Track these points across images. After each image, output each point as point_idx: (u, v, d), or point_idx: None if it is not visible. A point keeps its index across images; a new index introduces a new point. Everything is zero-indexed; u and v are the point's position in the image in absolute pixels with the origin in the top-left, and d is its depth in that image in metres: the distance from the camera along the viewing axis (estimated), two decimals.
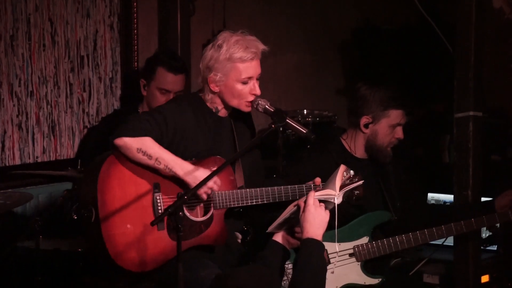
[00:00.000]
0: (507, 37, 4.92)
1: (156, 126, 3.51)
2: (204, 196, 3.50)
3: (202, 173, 3.46)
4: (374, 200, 4.07)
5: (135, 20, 4.97)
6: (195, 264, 3.55)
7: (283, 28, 5.79)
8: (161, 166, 3.47)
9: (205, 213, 3.60)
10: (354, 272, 3.92)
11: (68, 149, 4.74)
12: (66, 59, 4.71)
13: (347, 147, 4.13)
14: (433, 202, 4.89)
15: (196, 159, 3.58)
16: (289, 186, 3.68)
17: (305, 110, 5.44)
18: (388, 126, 4.04)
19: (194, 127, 3.60)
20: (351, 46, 6.19)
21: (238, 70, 3.55)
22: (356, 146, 4.12)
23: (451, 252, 4.28)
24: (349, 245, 3.91)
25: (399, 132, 4.07)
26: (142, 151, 3.45)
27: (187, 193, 3.21)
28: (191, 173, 3.44)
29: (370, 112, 4.03)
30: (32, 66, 4.57)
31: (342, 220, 3.68)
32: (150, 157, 3.46)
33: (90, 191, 3.48)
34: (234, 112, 3.73)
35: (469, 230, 3.98)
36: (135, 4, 4.95)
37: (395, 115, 4.04)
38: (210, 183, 3.46)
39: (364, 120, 4.05)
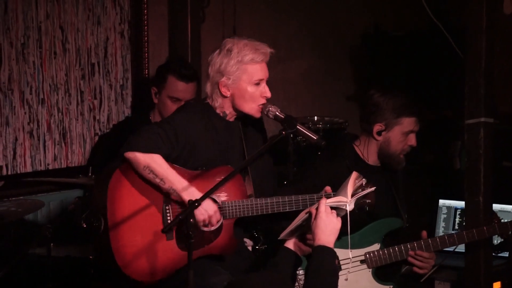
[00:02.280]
0: None
1: (167, 140, 3.52)
2: (201, 224, 3.49)
3: (207, 203, 3.46)
4: (386, 207, 4.07)
5: (146, 28, 4.98)
6: (207, 270, 3.55)
7: (293, 35, 5.80)
8: (166, 186, 3.47)
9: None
10: (365, 278, 3.91)
11: (79, 156, 4.76)
12: (77, 66, 4.72)
13: (359, 154, 4.12)
14: (444, 208, 4.88)
15: (206, 169, 3.58)
16: (300, 196, 3.67)
17: (315, 117, 5.43)
18: (401, 134, 4.04)
19: (203, 136, 3.61)
20: (360, 52, 6.19)
21: (249, 72, 3.58)
22: (369, 153, 4.11)
23: (463, 258, 4.27)
24: (360, 252, 3.90)
25: (412, 139, 4.07)
26: (149, 169, 3.46)
27: (198, 200, 3.21)
28: (196, 197, 3.41)
29: (383, 120, 4.03)
30: (43, 74, 4.59)
31: (354, 227, 3.68)
32: (155, 176, 3.47)
33: (100, 201, 3.48)
34: (243, 118, 3.73)
35: (480, 237, 3.97)
36: (145, 11, 4.97)
37: (408, 123, 4.03)
38: (211, 212, 3.48)
39: (377, 127, 4.04)
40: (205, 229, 3.54)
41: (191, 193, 3.45)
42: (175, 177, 3.48)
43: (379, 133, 4.05)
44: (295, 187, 3.97)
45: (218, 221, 3.54)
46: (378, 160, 4.12)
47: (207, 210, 3.48)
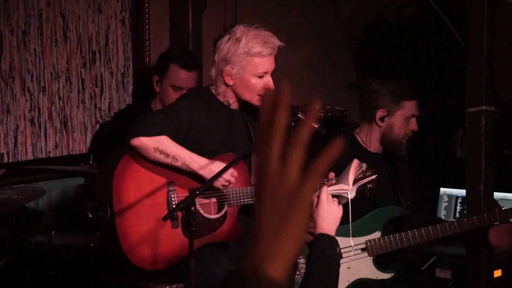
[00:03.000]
0: None
1: (171, 124, 3.51)
2: (221, 187, 3.52)
3: (217, 166, 3.46)
4: (387, 194, 4.07)
5: (147, 15, 4.97)
6: (209, 260, 3.56)
7: (294, 23, 5.79)
8: (178, 164, 3.47)
9: (218, 211, 3.61)
10: (366, 267, 3.91)
11: (80, 144, 4.75)
12: (78, 54, 4.71)
13: (360, 141, 4.13)
14: (445, 196, 4.88)
15: (210, 156, 3.59)
16: None
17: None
18: (403, 118, 4.06)
19: (207, 122, 3.61)
20: (362, 40, 6.18)
21: (255, 64, 3.56)
22: (371, 140, 4.12)
23: (464, 246, 4.27)
24: (361, 240, 3.90)
25: (413, 124, 4.09)
26: (159, 150, 3.45)
27: (200, 188, 3.21)
28: (207, 166, 3.45)
29: (384, 106, 4.05)
30: (44, 62, 4.58)
31: (355, 214, 3.69)
32: (167, 155, 3.46)
33: (106, 190, 3.49)
34: (245, 105, 3.73)
35: (481, 225, 3.97)
36: None
37: (409, 106, 4.06)
38: (227, 176, 3.47)
39: (379, 113, 4.05)
40: (209, 216, 3.54)
41: (203, 165, 3.46)
42: (184, 152, 3.48)
43: (382, 119, 4.06)
44: None
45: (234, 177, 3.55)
46: (380, 147, 4.12)
47: (222, 176, 3.48)
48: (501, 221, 4.09)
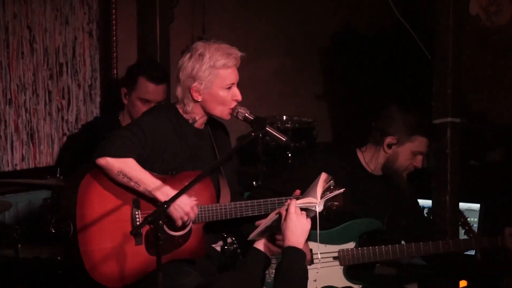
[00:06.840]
0: (484, 43, 4.96)
1: (137, 142, 3.50)
2: (179, 222, 3.49)
3: (182, 197, 3.44)
4: (377, 213, 4.05)
5: (114, 27, 4.96)
6: (176, 272, 3.55)
7: (263, 34, 5.80)
8: (141, 189, 3.47)
9: (183, 228, 3.59)
10: (335, 275, 3.93)
11: (47, 156, 4.73)
12: (45, 66, 4.69)
13: (361, 160, 4.11)
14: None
15: (173, 174, 3.57)
16: (268, 200, 3.68)
17: (284, 116, 5.45)
18: (410, 151, 4.03)
19: (172, 140, 3.60)
20: (330, 51, 6.21)
21: (222, 77, 3.57)
22: (372, 162, 4.08)
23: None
24: (334, 248, 3.92)
25: (418, 161, 4.07)
26: (123, 174, 3.45)
27: (167, 202, 3.20)
28: (170, 195, 3.41)
29: (396, 134, 4.02)
30: (10, 74, 4.55)
31: (333, 222, 3.73)
32: (130, 179, 3.46)
33: (69, 206, 3.46)
34: (210, 123, 3.73)
35: (455, 250, 3.99)
36: (114, 11, 4.95)
37: (419, 142, 4.03)
38: (187, 208, 3.47)
39: (388, 139, 4.02)
40: (173, 233, 3.54)
41: (165, 192, 3.45)
42: (149, 178, 3.47)
43: (389, 146, 4.03)
44: (285, 176, 3.99)
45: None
46: (381, 172, 4.10)
47: (182, 207, 3.47)
48: (476, 248, 4.11)
